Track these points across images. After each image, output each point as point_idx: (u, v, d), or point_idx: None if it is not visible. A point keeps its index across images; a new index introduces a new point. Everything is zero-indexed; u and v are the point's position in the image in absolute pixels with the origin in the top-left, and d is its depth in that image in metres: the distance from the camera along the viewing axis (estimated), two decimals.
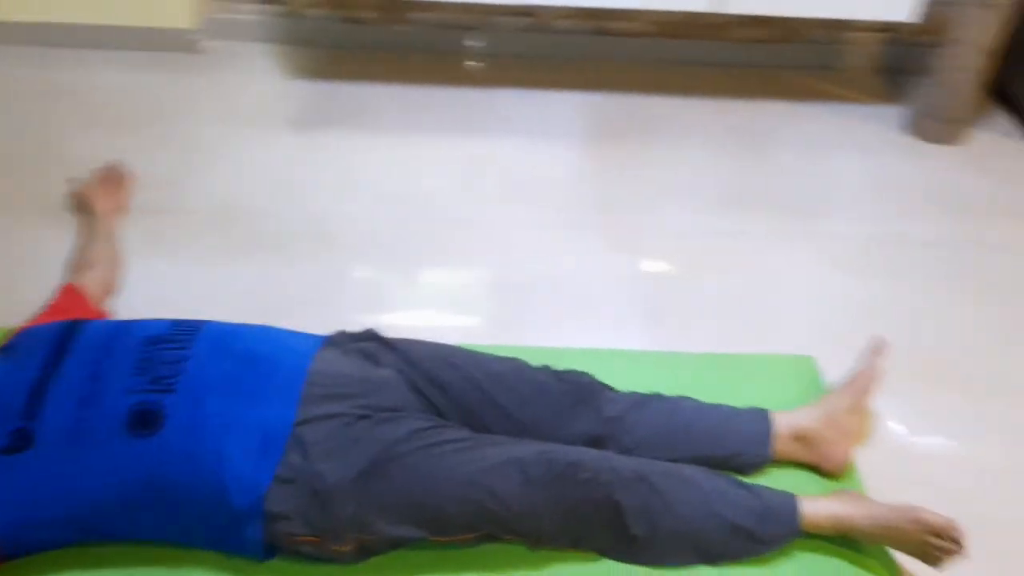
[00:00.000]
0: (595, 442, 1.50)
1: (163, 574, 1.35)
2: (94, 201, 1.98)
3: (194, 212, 2.09)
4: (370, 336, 1.54)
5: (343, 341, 1.53)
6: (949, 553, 1.33)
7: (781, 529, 1.42)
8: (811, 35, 2.77)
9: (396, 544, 1.37)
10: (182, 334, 1.42)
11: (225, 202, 2.13)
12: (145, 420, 1.30)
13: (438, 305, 1.89)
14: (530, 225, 2.14)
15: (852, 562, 1.44)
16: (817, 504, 1.44)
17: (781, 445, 1.56)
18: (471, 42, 2.71)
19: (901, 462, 1.63)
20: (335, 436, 1.34)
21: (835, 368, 1.78)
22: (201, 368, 1.36)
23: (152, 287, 1.87)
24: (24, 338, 1.47)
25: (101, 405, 1.31)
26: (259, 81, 2.58)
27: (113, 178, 2.09)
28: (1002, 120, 2.66)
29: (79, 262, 1.82)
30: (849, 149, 2.49)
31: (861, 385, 1.59)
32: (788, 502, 1.43)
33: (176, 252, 1.97)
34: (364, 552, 1.37)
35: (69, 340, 1.42)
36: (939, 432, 1.70)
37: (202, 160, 2.25)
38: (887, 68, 2.84)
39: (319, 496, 1.30)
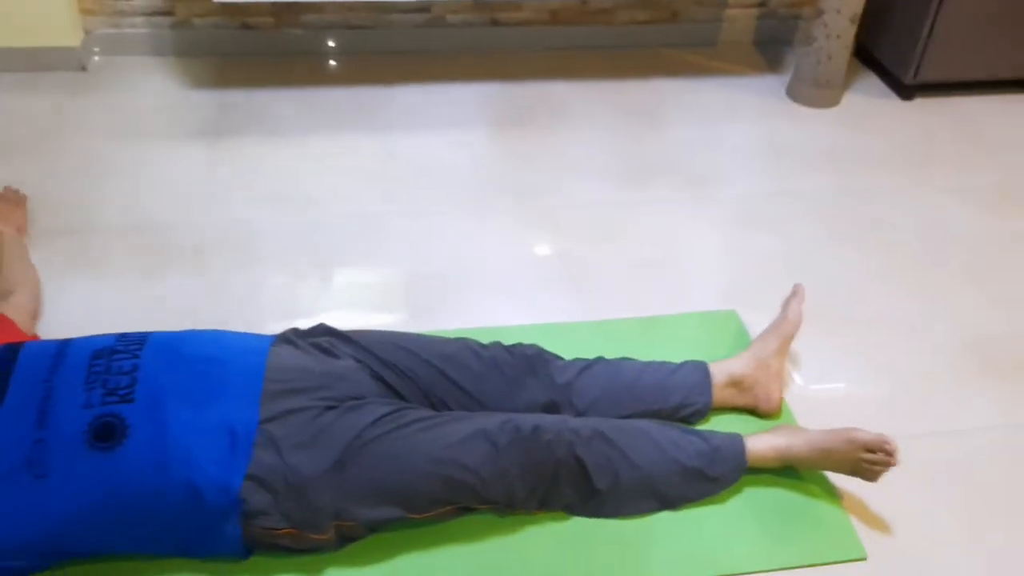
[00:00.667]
0: (549, 408, 1.57)
1: None
2: None
3: (105, 230, 2.03)
4: (323, 330, 1.56)
5: (295, 337, 1.54)
6: (883, 465, 1.46)
7: (730, 467, 1.53)
8: (691, 14, 2.92)
9: (374, 527, 1.40)
10: (130, 345, 1.40)
11: (135, 218, 2.08)
12: (106, 433, 1.29)
13: (363, 301, 1.91)
14: (443, 214, 2.18)
15: (795, 489, 1.56)
16: (760, 439, 1.55)
17: (718, 392, 1.67)
18: (332, 42, 2.73)
19: (805, 403, 1.75)
20: (304, 429, 1.36)
21: (750, 318, 1.91)
22: (156, 375, 1.36)
23: (72, 309, 1.82)
24: None
25: (57, 423, 1.29)
26: (153, 94, 2.52)
27: (8, 199, 2.02)
28: (871, 81, 2.87)
29: None
30: (736, 118, 2.64)
31: (786, 329, 1.71)
32: (734, 441, 1.54)
33: (92, 272, 1.92)
34: (343, 539, 1.40)
35: (11, 364, 1.38)
36: (836, 371, 1.84)
37: (106, 177, 2.19)
38: (763, 41, 3.02)
39: (295, 489, 1.32)
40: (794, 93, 2.72)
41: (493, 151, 2.42)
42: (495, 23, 2.80)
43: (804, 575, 1.45)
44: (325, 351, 1.51)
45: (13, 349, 1.42)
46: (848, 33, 2.56)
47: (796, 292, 1.76)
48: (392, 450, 1.37)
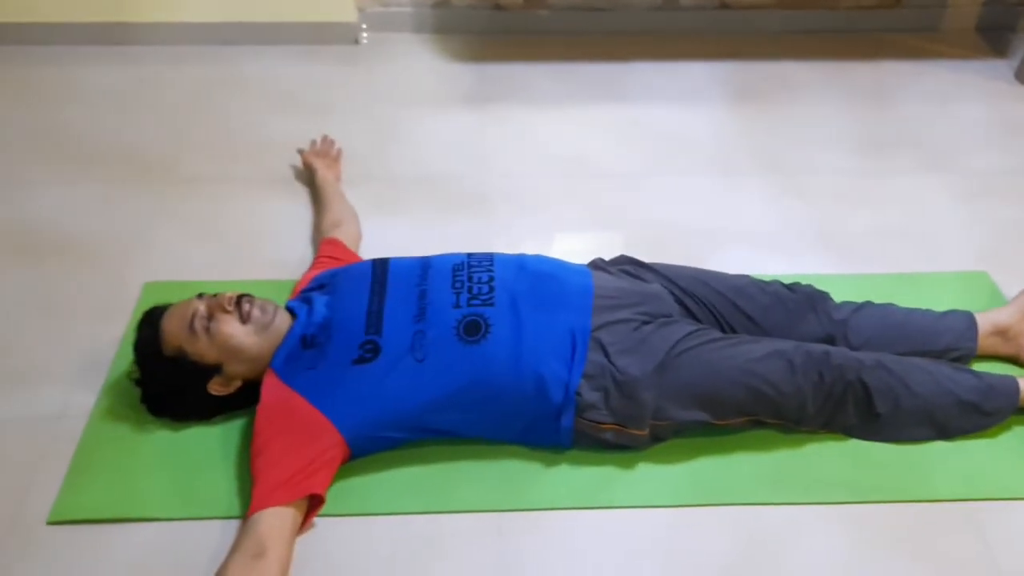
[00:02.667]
0: (826, 342, 1.71)
1: (481, 465, 1.59)
2: (319, 170, 2.21)
3: (399, 179, 2.31)
4: (626, 260, 1.77)
5: (605, 265, 1.76)
6: None
7: (1004, 403, 1.64)
8: (915, 0, 3.00)
9: (681, 429, 1.59)
10: (482, 261, 1.65)
11: (422, 169, 2.36)
12: (474, 328, 1.53)
13: (628, 247, 2.07)
14: (693, 176, 2.36)
15: None
16: None
17: (983, 340, 1.77)
18: (575, 22, 2.94)
19: None
20: (627, 338, 1.57)
21: (1000, 280, 2.00)
22: (508, 286, 1.59)
23: (379, 241, 2.08)
24: (336, 276, 1.70)
25: (433, 319, 1.54)
26: (420, 66, 2.81)
27: (326, 151, 2.33)
28: None
29: (329, 222, 2.04)
30: (965, 99, 2.71)
31: None
32: (1007, 380, 1.65)
33: (394, 211, 2.20)
34: (654, 438, 1.59)
35: (383, 272, 1.65)
36: None
37: (392, 135, 2.48)
38: (986, 27, 3.06)
39: (622, 387, 1.52)
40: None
41: (732, 122, 2.58)
42: (724, 6, 2.97)
43: None
44: (633, 277, 1.72)
45: (382, 262, 1.69)
46: None
47: None
48: (705, 360, 1.56)
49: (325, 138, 2.35)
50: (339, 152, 2.33)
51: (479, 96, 2.67)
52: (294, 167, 2.33)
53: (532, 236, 2.14)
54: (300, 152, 2.29)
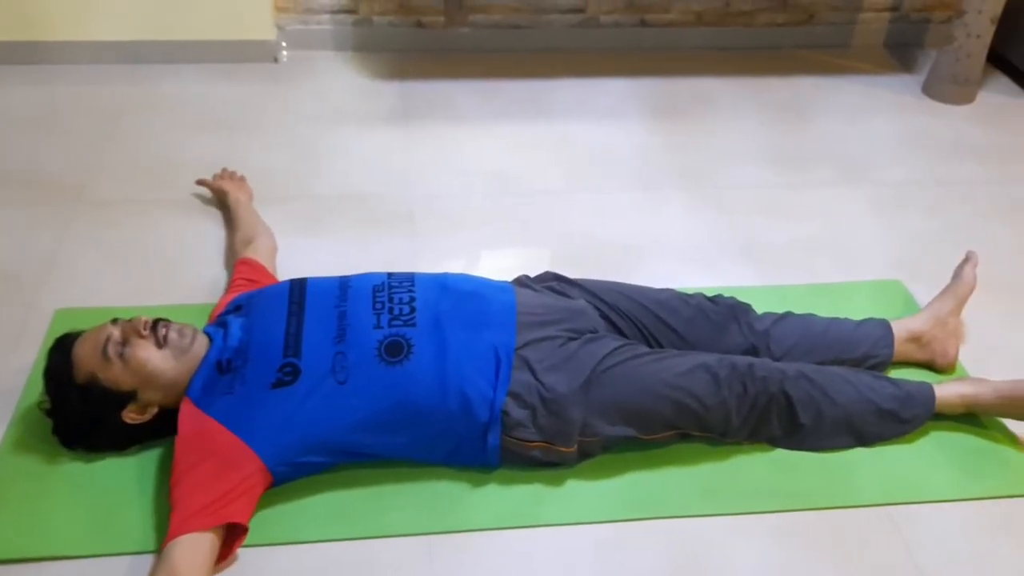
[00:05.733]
0: (749, 353, 1.73)
1: (408, 487, 1.56)
2: (228, 193, 2.17)
3: (321, 198, 2.28)
4: (551, 276, 1.77)
5: (529, 282, 1.76)
6: None
7: (921, 410, 1.68)
8: (827, 17, 3.10)
9: (609, 445, 1.60)
10: (403, 281, 1.63)
11: (345, 188, 2.33)
12: (395, 349, 1.51)
13: (556, 264, 2.09)
14: (617, 191, 2.38)
15: (977, 435, 1.72)
16: (948, 387, 1.70)
17: (899, 347, 1.82)
18: (496, 40, 2.96)
19: (973, 364, 1.89)
20: (553, 354, 1.56)
21: (913, 288, 2.07)
22: (430, 306, 1.58)
23: (306, 261, 2.05)
24: (252, 299, 1.66)
25: (354, 340, 1.52)
26: (341, 84, 2.78)
27: (232, 173, 2.28)
28: (1003, 82, 3.02)
29: (242, 241, 2.00)
30: (876, 113, 2.80)
31: (961, 291, 1.87)
32: (924, 387, 1.70)
33: (316, 231, 2.16)
34: (582, 455, 1.59)
35: (301, 293, 1.62)
36: (1001, 335, 1.98)
37: (314, 153, 2.45)
38: (893, 43, 3.18)
39: (549, 404, 1.52)
40: (931, 90, 2.87)
41: (653, 138, 2.62)
42: (644, 24, 3.02)
43: (995, 507, 1.60)
44: (558, 293, 1.72)
45: (300, 282, 1.65)
46: (988, 33, 2.71)
47: (970, 257, 1.92)
48: (631, 375, 1.56)
49: (225, 169, 2.31)
50: (242, 176, 2.29)
51: (401, 114, 2.65)
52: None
53: (457, 254, 2.13)
54: (202, 182, 2.23)
